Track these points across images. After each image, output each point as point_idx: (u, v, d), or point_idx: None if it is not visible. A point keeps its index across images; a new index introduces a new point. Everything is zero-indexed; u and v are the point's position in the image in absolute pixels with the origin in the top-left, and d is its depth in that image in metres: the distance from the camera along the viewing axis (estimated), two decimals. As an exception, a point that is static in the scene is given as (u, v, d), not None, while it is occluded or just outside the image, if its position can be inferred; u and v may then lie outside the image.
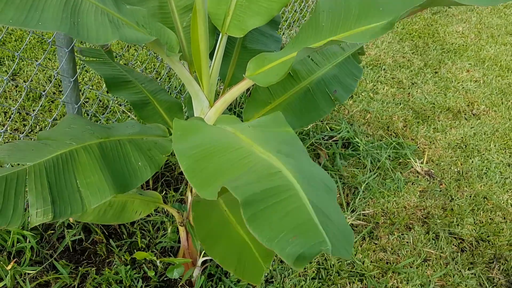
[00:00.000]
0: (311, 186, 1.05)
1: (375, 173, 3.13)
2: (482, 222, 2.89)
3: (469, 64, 4.71)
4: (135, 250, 2.36)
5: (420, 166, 3.25)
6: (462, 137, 3.63)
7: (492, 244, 2.75)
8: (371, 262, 2.53)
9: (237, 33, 1.72)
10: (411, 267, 2.54)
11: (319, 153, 3.22)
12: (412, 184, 3.11)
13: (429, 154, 3.41)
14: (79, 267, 2.26)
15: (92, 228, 2.41)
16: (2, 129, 2.23)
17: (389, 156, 3.31)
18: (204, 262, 2.22)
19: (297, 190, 1.01)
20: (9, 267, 2.07)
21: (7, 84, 3.20)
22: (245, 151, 1.16)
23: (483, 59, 4.82)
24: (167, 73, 3.56)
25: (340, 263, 2.48)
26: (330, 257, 2.52)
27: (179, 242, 2.34)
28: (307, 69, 1.94)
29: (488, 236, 2.79)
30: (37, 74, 3.40)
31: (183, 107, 2.09)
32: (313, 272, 2.41)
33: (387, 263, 2.56)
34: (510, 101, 4.16)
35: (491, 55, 4.92)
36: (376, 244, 2.66)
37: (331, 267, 2.46)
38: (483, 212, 2.96)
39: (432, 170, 3.25)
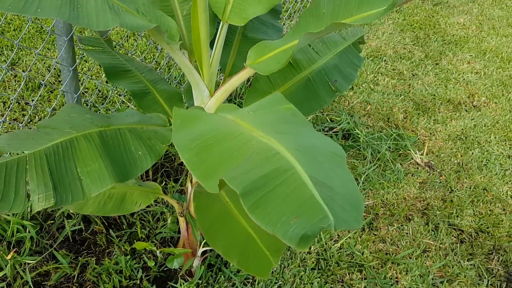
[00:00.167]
0: (313, 161, 1.03)
1: (375, 165, 3.13)
2: (482, 214, 2.89)
3: (470, 55, 4.69)
4: (135, 241, 2.36)
5: (420, 158, 3.25)
6: (462, 129, 3.62)
7: (492, 235, 2.76)
8: (370, 252, 2.54)
9: (238, 22, 1.70)
10: (410, 258, 2.55)
11: (319, 144, 3.21)
12: (412, 175, 3.11)
13: (429, 146, 3.40)
14: (79, 257, 2.26)
15: (92, 218, 2.41)
16: (1, 118, 2.21)
17: (389, 147, 3.30)
18: (204, 253, 2.22)
19: (296, 169, 1.00)
20: (9, 256, 2.07)
21: (5, 73, 3.18)
22: (245, 137, 1.15)
23: (484, 51, 4.80)
24: (166, 63, 3.54)
25: (339, 253, 2.49)
26: (332, 240, 2.52)
27: (179, 232, 2.35)
28: (307, 58, 1.92)
29: (487, 228, 2.80)
30: (36, 63, 3.38)
31: (183, 97, 2.08)
32: (313, 262, 2.42)
33: (386, 254, 2.56)
34: (510, 93, 4.15)
35: (492, 46, 4.90)
36: (375, 235, 2.66)
37: (330, 257, 2.46)
38: (482, 204, 2.96)
39: (432, 162, 3.25)
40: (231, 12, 1.70)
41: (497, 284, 2.48)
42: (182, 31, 1.77)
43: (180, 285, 2.14)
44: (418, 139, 3.47)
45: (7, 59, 3.36)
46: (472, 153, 3.38)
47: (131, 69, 1.93)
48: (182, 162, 2.83)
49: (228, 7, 1.71)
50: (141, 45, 3.80)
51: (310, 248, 2.49)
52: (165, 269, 2.28)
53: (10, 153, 1.33)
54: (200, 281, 2.20)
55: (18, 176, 1.25)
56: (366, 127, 3.48)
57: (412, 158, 3.24)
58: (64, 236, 2.31)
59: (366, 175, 3.02)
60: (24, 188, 1.25)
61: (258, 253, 1.66)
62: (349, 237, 2.58)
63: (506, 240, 2.73)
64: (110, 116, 1.61)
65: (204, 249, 2.14)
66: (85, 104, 2.96)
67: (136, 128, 1.55)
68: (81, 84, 3.15)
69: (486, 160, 3.34)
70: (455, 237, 2.73)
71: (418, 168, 3.19)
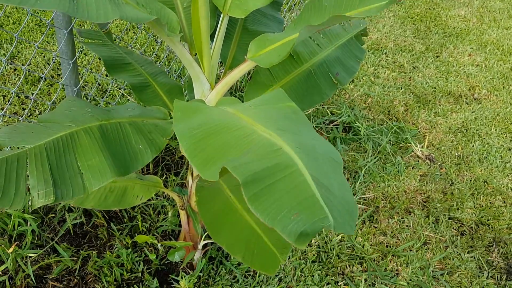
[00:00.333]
0: (313, 161, 1.03)
1: (375, 158, 3.13)
2: (482, 206, 2.90)
3: (471, 48, 4.67)
4: (136, 234, 2.36)
5: (421, 151, 3.25)
6: (463, 122, 3.61)
7: (492, 227, 2.76)
8: (371, 245, 2.54)
9: (239, 14, 1.69)
10: (410, 250, 2.55)
11: (319, 137, 3.20)
12: (412, 168, 3.11)
13: (429, 139, 3.40)
14: (80, 251, 2.27)
15: (93, 212, 2.41)
16: (1, 112, 2.21)
17: (390, 140, 3.30)
18: (205, 246, 2.23)
19: (298, 166, 1.00)
20: (11, 250, 2.07)
21: (5, 67, 3.17)
22: (246, 130, 1.15)
23: (485, 43, 4.78)
24: (166, 56, 3.53)
25: (340, 246, 2.49)
26: (333, 234, 2.53)
27: (180, 225, 2.35)
28: (309, 51, 1.91)
29: (488, 220, 2.80)
30: (35, 57, 3.36)
31: (184, 90, 2.07)
32: (313, 255, 2.42)
33: (387, 246, 2.57)
34: (511, 85, 4.14)
35: (493, 39, 4.88)
36: (376, 227, 2.67)
37: (331, 250, 2.47)
38: (483, 196, 2.96)
39: (432, 154, 3.25)
40: (231, 4, 1.69)
41: (497, 276, 2.49)
42: (183, 24, 1.76)
43: (182, 278, 2.14)
44: (419, 132, 3.46)
45: (7, 52, 3.34)
46: (473, 146, 3.37)
47: (131, 62, 1.92)
48: (183, 155, 2.82)
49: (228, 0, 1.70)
50: (140, 38, 3.78)
51: (310, 241, 2.49)
52: (166, 262, 2.28)
53: (10, 147, 1.33)
54: (201, 274, 2.21)
55: (19, 172, 1.25)
56: (367, 120, 3.47)
57: (413, 151, 3.24)
58: (65, 229, 2.32)
59: (367, 168, 3.02)
60: (25, 184, 1.24)
61: (264, 249, 1.65)
62: (350, 230, 2.59)
63: (506, 233, 2.73)
64: (110, 110, 1.60)
65: (205, 242, 2.14)
66: (85, 98, 2.95)
67: (136, 122, 1.55)
68: (81, 77, 3.14)
69: (487, 152, 3.33)
70: (455, 229, 2.73)
71: (418, 161, 3.18)
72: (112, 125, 1.48)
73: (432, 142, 3.38)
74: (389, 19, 4.99)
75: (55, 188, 1.25)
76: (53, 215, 2.36)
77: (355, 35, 2.02)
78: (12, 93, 3.00)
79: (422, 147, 3.28)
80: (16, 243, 2.16)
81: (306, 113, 3.34)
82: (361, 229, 2.63)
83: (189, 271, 2.25)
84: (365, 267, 2.43)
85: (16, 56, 3.38)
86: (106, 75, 3.23)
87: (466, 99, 3.91)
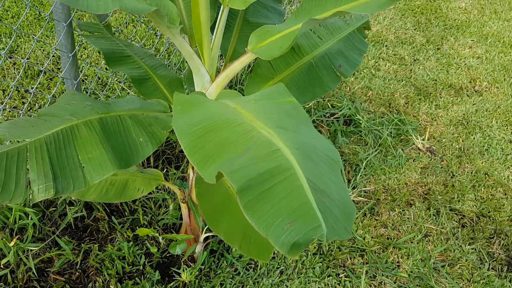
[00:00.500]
0: (311, 163, 1.03)
1: (376, 150, 3.12)
2: (483, 198, 2.90)
3: (471, 40, 4.65)
4: (137, 227, 2.36)
5: (422, 143, 3.24)
6: (464, 114, 3.60)
7: (493, 219, 2.76)
8: (372, 237, 2.55)
9: (239, 5, 1.67)
10: (411, 242, 2.56)
11: (320, 130, 3.20)
12: (413, 160, 3.11)
13: (430, 131, 3.39)
14: (82, 244, 2.27)
15: (94, 205, 2.41)
16: (0, 106, 2.20)
17: (391, 133, 3.29)
18: (206, 238, 2.23)
19: (295, 169, 0.99)
20: (12, 243, 2.07)
21: (4, 61, 3.16)
22: (245, 127, 1.14)
23: (486, 35, 4.76)
24: (166, 49, 3.51)
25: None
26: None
27: (181, 219, 2.35)
28: (310, 43, 1.90)
29: (488, 212, 2.80)
30: (35, 51, 3.35)
31: (184, 83, 2.06)
32: (314, 247, 2.43)
33: (388, 238, 2.57)
34: (512, 77, 4.13)
35: (494, 31, 4.85)
36: (377, 220, 2.67)
37: (332, 242, 2.47)
38: (484, 188, 2.96)
39: (433, 147, 3.25)
40: (232, -5, 1.68)
41: (498, 268, 2.49)
42: (182, 15, 1.75)
43: (183, 270, 2.15)
44: (420, 124, 3.45)
45: (6, 46, 3.33)
46: (474, 138, 3.37)
47: (131, 54, 1.91)
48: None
49: (228, -9, 1.68)
50: (140, 32, 3.76)
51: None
52: (167, 255, 2.29)
53: (10, 141, 1.33)
54: (202, 267, 2.22)
55: (19, 166, 1.24)
56: (368, 113, 3.46)
57: (414, 143, 3.24)
58: (66, 223, 2.32)
59: (368, 160, 3.01)
60: (25, 178, 1.24)
61: (260, 237, 1.66)
62: (351, 223, 2.59)
63: (507, 224, 2.73)
64: (110, 103, 1.60)
65: (206, 235, 2.14)
66: (85, 91, 2.94)
67: (136, 115, 1.54)
68: (81, 71, 3.13)
69: (488, 145, 3.33)
70: (456, 221, 2.73)
71: (419, 153, 3.18)
72: (112, 118, 1.47)
73: (433, 134, 3.37)
74: (389, 12, 4.96)
75: (55, 181, 1.25)
76: (54, 208, 2.36)
77: (358, 28, 2.01)
78: (12, 87, 2.99)
79: (423, 140, 3.28)
80: (17, 236, 2.16)
81: (307, 106, 3.34)
82: (362, 222, 2.63)
83: (191, 264, 2.26)
84: (366, 259, 2.44)
85: (16, 50, 3.37)
86: (106, 69, 3.22)
87: (467, 91, 3.89)
